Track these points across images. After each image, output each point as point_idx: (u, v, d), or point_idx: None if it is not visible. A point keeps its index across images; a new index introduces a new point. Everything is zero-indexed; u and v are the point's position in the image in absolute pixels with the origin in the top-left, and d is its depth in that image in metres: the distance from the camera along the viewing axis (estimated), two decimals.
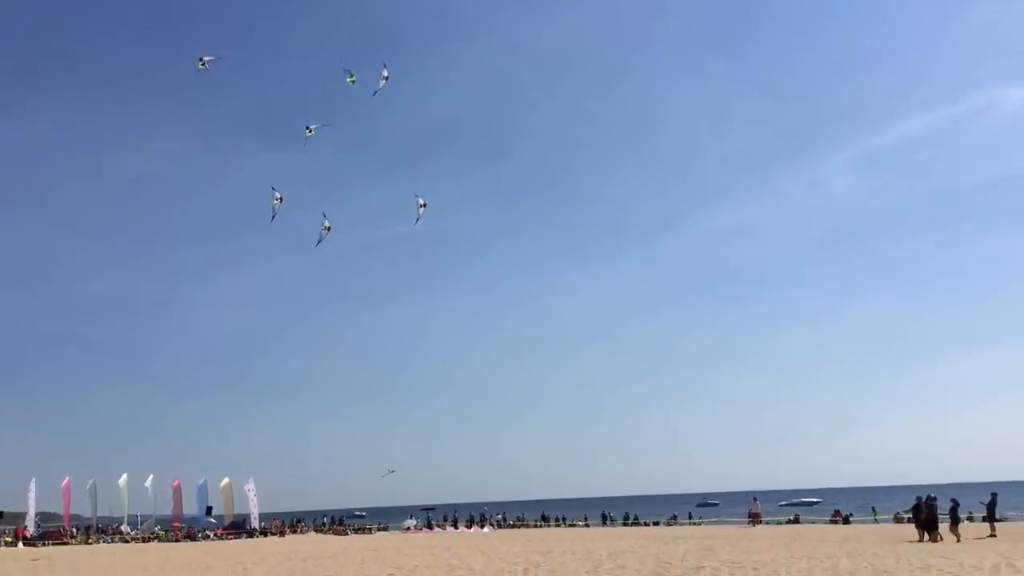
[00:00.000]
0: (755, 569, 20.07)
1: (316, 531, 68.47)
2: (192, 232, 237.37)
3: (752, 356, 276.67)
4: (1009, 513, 48.20)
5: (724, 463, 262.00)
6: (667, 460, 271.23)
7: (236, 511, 70.25)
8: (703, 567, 21.13)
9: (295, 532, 67.51)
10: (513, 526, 67.29)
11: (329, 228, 42.71)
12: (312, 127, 41.91)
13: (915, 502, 30.74)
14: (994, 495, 32.53)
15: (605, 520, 66.50)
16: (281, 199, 40.71)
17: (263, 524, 68.09)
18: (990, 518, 31.91)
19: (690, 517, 67.10)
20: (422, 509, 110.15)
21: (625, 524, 63.39)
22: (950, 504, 29.41)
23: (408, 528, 66.86)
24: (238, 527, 66.16)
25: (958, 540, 27.56)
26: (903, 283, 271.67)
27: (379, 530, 68.70)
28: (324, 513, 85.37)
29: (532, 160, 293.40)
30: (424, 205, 42.60)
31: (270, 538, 60.16)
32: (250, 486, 69.38)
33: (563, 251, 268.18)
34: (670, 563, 22.84)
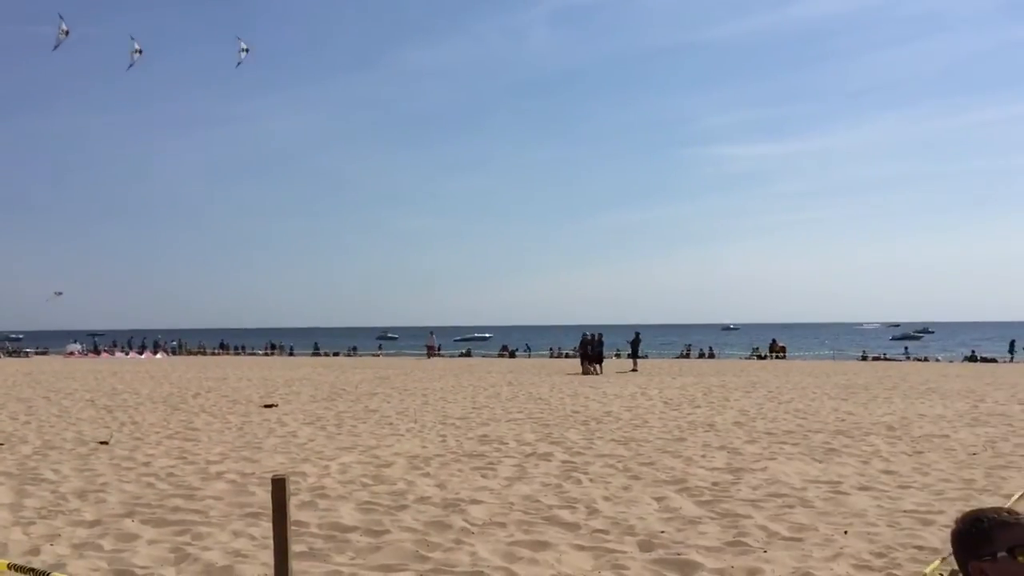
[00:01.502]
0: (424, 395, 21.21)
1: None
2: None
3: (433, 196, 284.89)
4: (649, 351, 54.51)
5: (405, 299, 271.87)
6: (350, 294, 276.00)
7: None
8: (376, 393, 21.97)
9: None
10: (190, 353, 65.54)
11: (141, 51, 37.68)
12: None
13: (581, 338, 33.37)
14: (637, 334, 36.54)
15: (275, 348, 66.49)
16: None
17: None
18: (634, 355, 35.93)
19: (381, 348, 68.99)
20: (89, 334, 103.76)
21: (291, 354, 63.86)
22: (589, 339, 32.46)
23: (72, 353, 62.75)
24: None
25: (599, 372, 30.83)
26: (579, 138, 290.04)
27: (38, 354, 63.98)
28: None
29: None
30: (246, 50, 39.35)
31: None
32: None
33: (248, 73, 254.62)
34: (345, 389, 23.51)
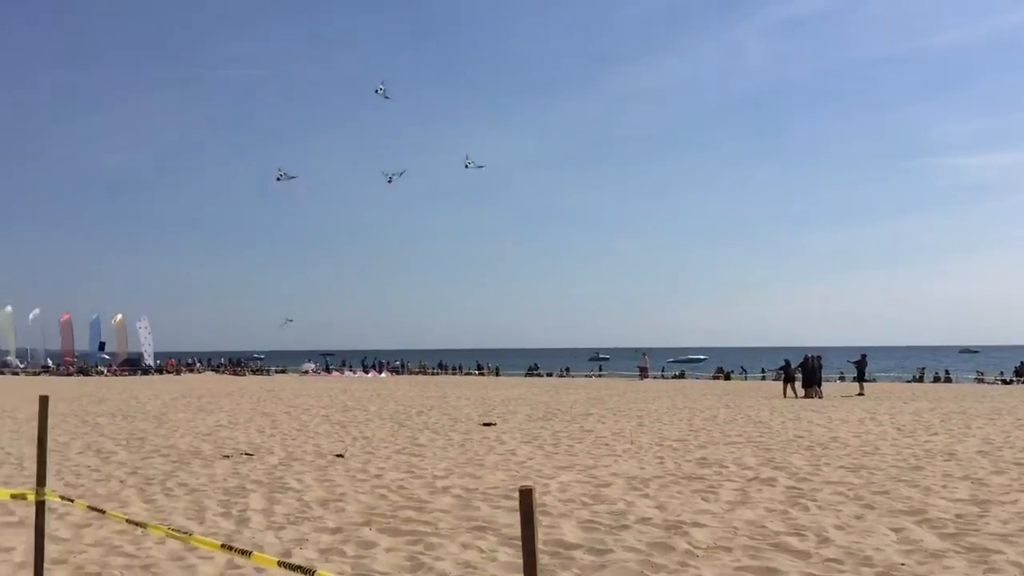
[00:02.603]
0: (639, 416, 21.09)
1: (214, 371, 68.52)
2: (75, 61, 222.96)
3: (648, 218, 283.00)
4: (877, 375, 51.49)
5: (618, 320, 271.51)
6: (563, 315, 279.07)
7: (130, 349, 69.43)
8: (591, 414, 22.09)
9: (191, 371, 67.42)
10: (411, 373, 68.62)
11: (291, 176, 44.60)
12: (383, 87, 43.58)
13: (801, 360, 32.02)
14: (863, 356, 34.60)
15: (481, 369, 68.29)
16: None
17: (158, 362, 67.67)
18: (860, 378, 34.04)
19: (600, 369, 69.49)
20: (321, 354, 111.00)
21: (497, 374, 65.44)
22: (813, 363, 31.19)
23: (307, 371, 67.47)
24: (132, 364, 65.56)
25: (819, 396, 29.60)
26: (799, 153, 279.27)
27: (277, 372, 69.15)
28: (222, 354, 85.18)
29: (438, 8, 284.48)
30: (400, 174, 45.01)
31: (165, 376, 59.95)
32: (144, 323, 68.39)
33: (467, 106, 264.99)
34: (559, 409, 23.80)
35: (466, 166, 45.43)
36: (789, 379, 31.70)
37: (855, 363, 34.59)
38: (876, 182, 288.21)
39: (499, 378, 59.31)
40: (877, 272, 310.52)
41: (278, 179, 45.58)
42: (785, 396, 30.36)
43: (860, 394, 31.43)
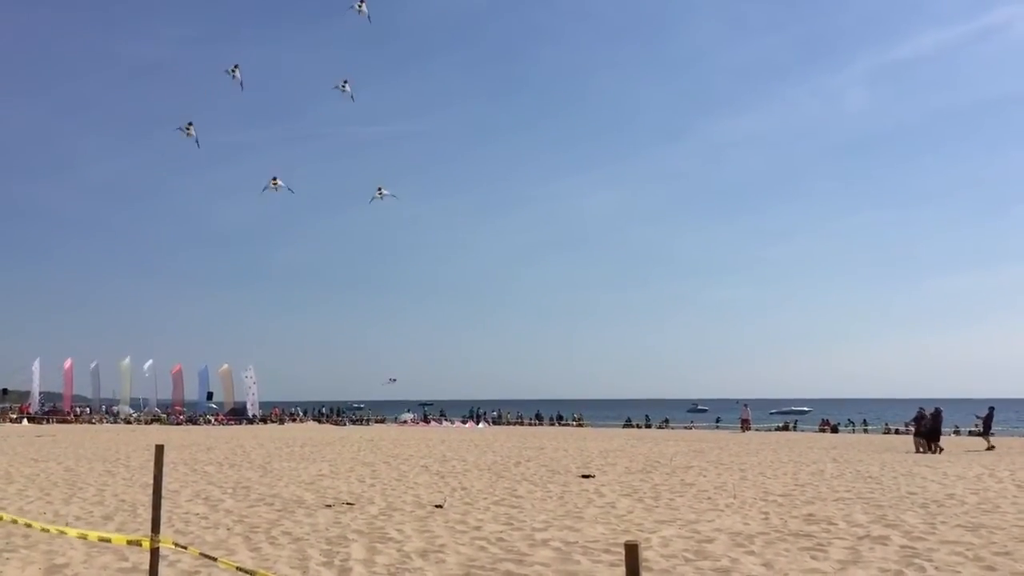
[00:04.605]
0: (742, 470, 20.55)
1: (316, 421, 69.88)
2: (199, 121, 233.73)
3: (747, 266, 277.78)
4: (997, 428, 48.94)
5: (716, 371, 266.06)
6: (659, 365, 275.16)
7: (236, 398, 71.46)
8: (691, 467, 21.63)
9: (294, 421, 68.92)
10: (508, 423, 68.58)
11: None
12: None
13: (917, 413, 30.91)
14: (991, 409, 33.03)
15: (561, 418, 67.74)
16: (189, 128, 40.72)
17: (262, 412, 69.43)
18: (986, 432, 32.45)
19: (718, 421, 68.08)
20: (420, 404, 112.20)
21: (580, 425, 64.89)
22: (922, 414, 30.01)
23: (405, 421, 68.12)
24: (238, 413, 67.45)
25: (936, 451, 28.31)
26: (904, 200, 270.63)
27: (376, 422, 70.05)
28: (323, 404, 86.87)
29: (540, 61, 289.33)
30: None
31: (269, 425, 61.43)
32: (249, 373, 70.31)
33: (564, 154, 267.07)
34: (659, 461, 23.38)
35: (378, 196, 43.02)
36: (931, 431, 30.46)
37: (983, 418, 33.08)
38: (990, 228, 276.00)
39: (593, 430, 58.74)
40: (1001, 319, 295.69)
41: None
42: (918, 451, 29.04)
43: (990, 448, 30.05)
